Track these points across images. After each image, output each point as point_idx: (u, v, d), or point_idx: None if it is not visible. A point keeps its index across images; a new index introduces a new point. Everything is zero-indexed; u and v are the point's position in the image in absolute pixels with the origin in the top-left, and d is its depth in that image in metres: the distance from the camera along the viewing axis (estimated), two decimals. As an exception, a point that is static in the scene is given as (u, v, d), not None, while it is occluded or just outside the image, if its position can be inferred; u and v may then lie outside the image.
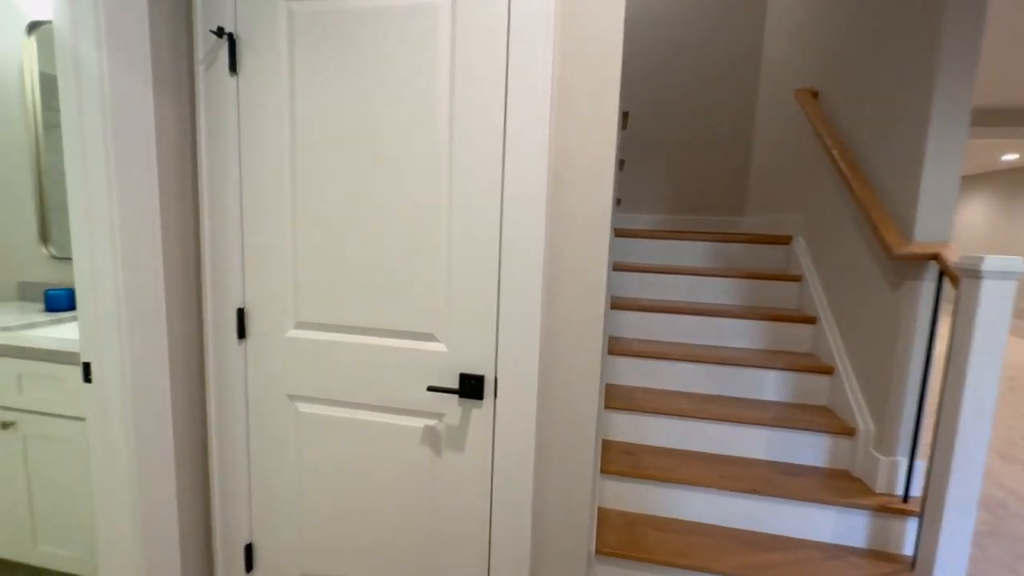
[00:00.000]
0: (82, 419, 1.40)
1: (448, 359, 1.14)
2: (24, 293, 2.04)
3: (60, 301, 1.87)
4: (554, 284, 1.07)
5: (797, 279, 2.30)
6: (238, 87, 1.18)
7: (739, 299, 2.36)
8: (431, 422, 1.18)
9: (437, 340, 1.15)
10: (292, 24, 1.13)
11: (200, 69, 1.19)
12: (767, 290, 2.34)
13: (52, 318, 1.77)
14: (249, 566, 1.35)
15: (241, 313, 1.25)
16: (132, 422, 1.13)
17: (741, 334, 2.15)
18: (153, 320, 1.15)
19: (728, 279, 2.36)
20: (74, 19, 1.01)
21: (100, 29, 1.01)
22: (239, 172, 1.21)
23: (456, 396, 1.13)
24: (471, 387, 1.12)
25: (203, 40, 1.17)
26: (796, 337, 2.11)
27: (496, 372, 1.12)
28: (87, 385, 1.14)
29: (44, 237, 2.00)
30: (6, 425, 1.46)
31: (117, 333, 1.10)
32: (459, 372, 1.14)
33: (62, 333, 1.62)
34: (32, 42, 1.90)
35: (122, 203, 1.08)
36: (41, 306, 1.95)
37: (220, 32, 1.15)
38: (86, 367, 1.13)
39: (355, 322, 1.19)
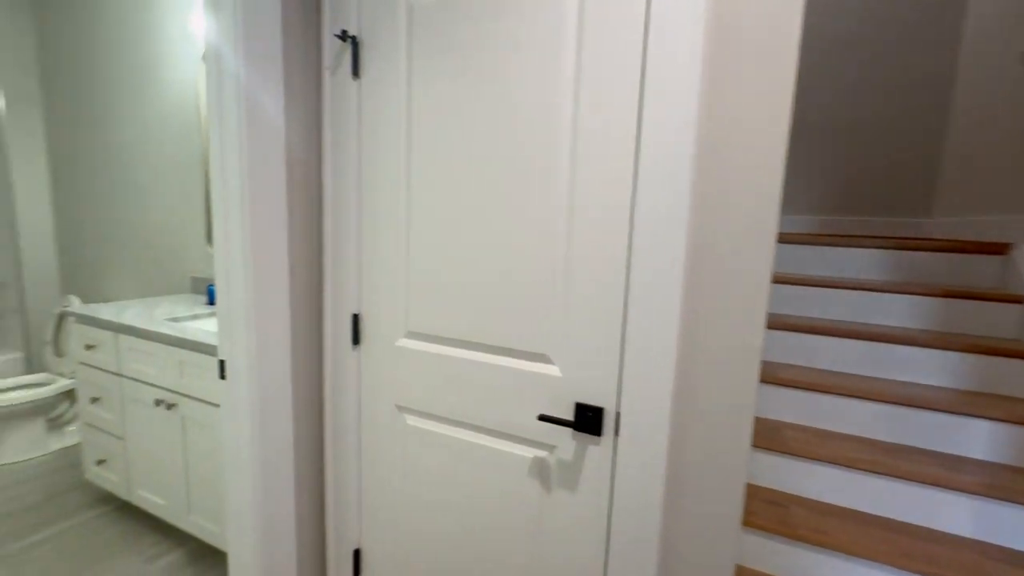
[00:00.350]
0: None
1: (563, 385, 1.00)
2: (194, 286, 2.34)
3: (219, 295, 2.10)
4: (696, 304, 0.87)
5: (1018, 300, 1.75)
6: (359, 92, 1.17)
7: (929, 323, 1.87)
8: (541, 454, 1.05)
9: (551, 362, 1.01)
10: (411, 20, 1.08)
11: (326, 76, 1.20)
12: (972, 313, 1.82)
13: (212, 311, 1.99)
14: (357, 570, 1.35)
15: (356, 319, 1.24)
16: (258, 419, 1.17)
17: (933, 368, 1.69)
18: (278, 323, 1.18)
19: (913, 296, 1.88)
20: (218, 32, 1.06)
21: (238, 37, 1.04)
22: (358, 178, 1.20)
23: (570, 429, 0.99)
24: (588, 420, 0.97)
25: (329, 45, 1.18)
26: (1016, 377, 1.60)
27: (619, 405, 0.95)
28: (223, 381, 1.21)
29: (210, 237, 2.27)
30: (169, 406, 1.65)
31: (246, 335, 1.14)
32: (575, 401, 0.99)
33: (216, 326, 1.80)
34: (203, 68, 2.16)
35: (253, 209, 1.11)
36: (206, 299, 2.22)
37: (344, 36, 1.14)
38: (222, 364, 1.20)
39: (464, 336, 1.11)
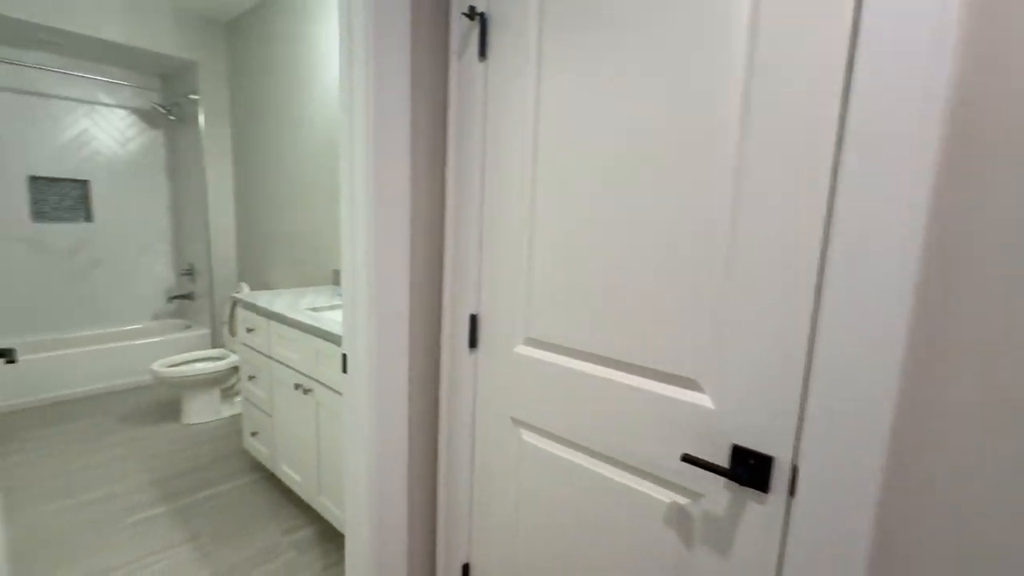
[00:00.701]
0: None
1: (715, 420, 0.79)
2: (335, 279, 2.51)
3: (354, 288, 2.22)
4: (938, 327, 0.61)
5: None
6: (486, 75, 1.07)
7: None
8: (681, 500, 0.85)
9: (700, 390, 0.81)
10: (544, -13, 0.95)
11: (453, 60, 1.13)
12: None
13: (347, 302, 2.10)
14: (465, 585, 1.28)
15: (474, 320, 1.16)
16: (375, 417, 1.15)
17: None
18: (397, 320, 1.15)
19: None
20: (350, 15, 1.04)
21: (368, 20, 1.01)
22: (481, 170, 1.10)
23: (723, 477, 0.78)
24: (749, 470, 0.75)
25: (457, 25, 1.10)
26: None
27: (796, 456, 0.71)
28: (345, 374, 1.21)
29: (350, 234, 2.42)
30: (306, 391, 1.75)
31: (366, 331, 1.12)
32: (731, 443, 0.78)
33: (349, 317, 1.89)
34: (352, 72, 2.29)
35: (377, 202, 1.08)
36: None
37: (472, 13, 1.05)
38: (344, 358, 1.20)
39: (591, 348, 0.95)
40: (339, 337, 1.56)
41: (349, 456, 1.22)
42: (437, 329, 1.24)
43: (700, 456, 0.81)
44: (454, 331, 1.20)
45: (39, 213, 3.23)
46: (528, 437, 1.09)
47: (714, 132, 0.75)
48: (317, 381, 1.70)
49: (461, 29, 1.10)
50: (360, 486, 1.20)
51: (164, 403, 3.01)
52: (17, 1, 2.53)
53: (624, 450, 0.92)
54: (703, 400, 0.80)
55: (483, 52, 1.07)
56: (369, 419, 1.15)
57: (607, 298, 0.91)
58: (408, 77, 1.08)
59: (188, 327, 3.67)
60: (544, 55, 0.96)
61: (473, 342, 1.17)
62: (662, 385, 0.85)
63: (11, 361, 1.13)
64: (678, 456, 0.84)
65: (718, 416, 0.79)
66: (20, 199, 3.13)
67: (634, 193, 0.85)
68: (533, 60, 0.98)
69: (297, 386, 1.78)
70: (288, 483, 1.95)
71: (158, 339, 3.36)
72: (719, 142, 0.75)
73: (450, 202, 1.17)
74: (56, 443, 2.46)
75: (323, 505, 1.77)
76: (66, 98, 3.24)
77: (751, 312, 0.73)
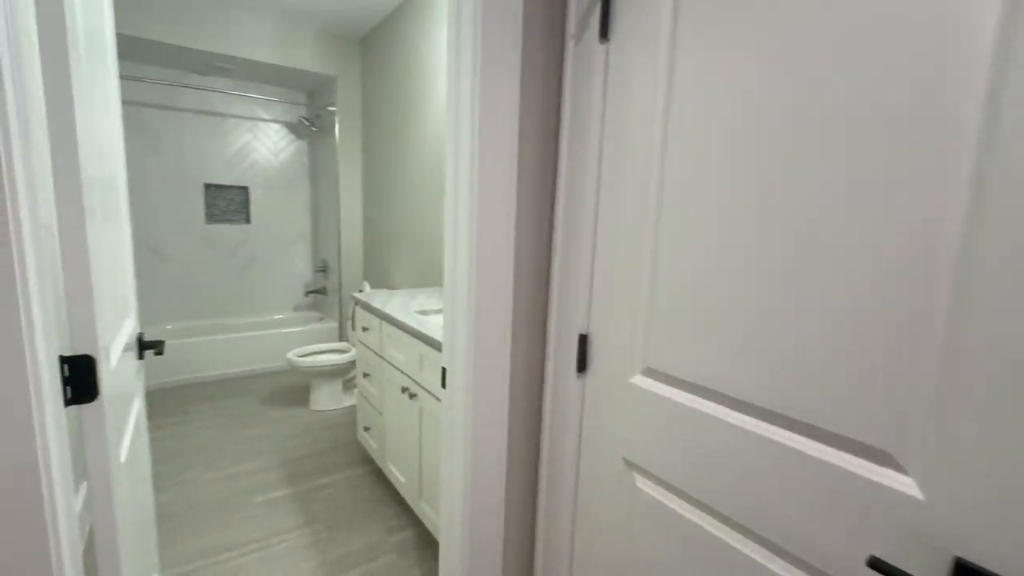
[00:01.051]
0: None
1: (925, 516, 0.55)
2: (446, 281, 2.52)
3: (463, 291, 2.19)
4: None
5: None
6: (607, 58, 0.92)
7: None
8: (862, 615, 0.62)
9: (901, 470, 0.58)
10: (685, -61, 0.77)
11: (569, 44, 0.99)
12: None
13: (455, 306, 2.08)
14: (563, 635, 1.14)
15: (583, 341, 1.01)
16: (471, 440, 1.06)
17: None
18: (498, 335, 1.05)
19: None
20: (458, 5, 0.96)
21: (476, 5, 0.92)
22: (597, 166, 0.96)
23: (937, 599, 0.54)
24: (987, 602, 0.51)
25: (576, 4, 0.97)
26: None
27: (1077, 599, 0.46)
28: (443, 389, 1.14)
29: (462, 236, 2.41)
30: (411, 395, 1.74)
31: (465, 344, 1.04)
32: (953, 555, 0.53)
33: (456, 322, 1.85)
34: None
35: (480, 203, 0.99)
36: (453, 293, 2.36)
37: (594, -14, 0.91)
38: (443, 371, 1.13)
39: (730, 390, 0.75)
40: (437, 341, 1.52)
41: (444, 478, 1.15)
42: (542, 347, 1.12)
43: (898, 565, 0.58)
44: (560, 351, 1.07)
45: (211, 215, 3.76)
46: (643, 485, 0.91)
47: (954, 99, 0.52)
48: (421, 386, 1.69)
49: (580, 8, 0.96)
50: (455, 512, 1.12)
51: (296, 388, 3.31)
52: (199, 35, 2.95)
53: (773, 528, 0.70)
54: (905, 485, 0.57)
55: (604, 32, 0.91)
56: (464, 445, 1.06)
57: (756, 328, 0.70)
58: (518, 64, 0.97)
59: (320, 319, 4.03)
60: (681, 29, 0.79)
61: (582, 366, 1.02)
62: (838, 453, 0.63)
63: (159, 353, 1.25)
64: (858, 554, 0.61)
65: (930, 511, 0.55)
66: (198, 203, 3.68)
67: (805, 191, 0.64)
68: (666, 35, 0.81)
69: (404, 389, 1.79)
70: (393, 482, 1.98)
71: (295, 329, 3.72)
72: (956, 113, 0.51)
73: (560, 205, 1.04)
74: (213, 417, 2.81)
75: (423, 511, 1.75)
76: (234, 116, 3.73)
77: (998, 360, 0.49)
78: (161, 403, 2.99)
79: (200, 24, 2.94)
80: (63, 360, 0.74)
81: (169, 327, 3.64)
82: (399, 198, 3.05)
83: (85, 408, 0.77)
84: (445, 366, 1.12)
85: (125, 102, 3.32)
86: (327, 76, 3.46)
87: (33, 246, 0.62)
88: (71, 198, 0.72)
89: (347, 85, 3.50)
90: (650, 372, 0.89)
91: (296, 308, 4.22)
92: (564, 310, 1.05)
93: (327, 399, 2.99)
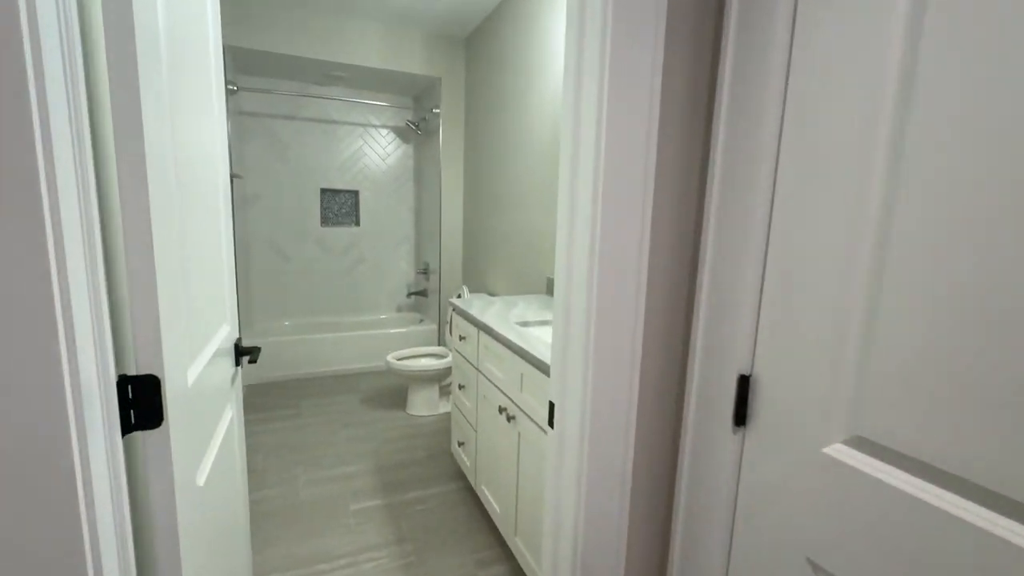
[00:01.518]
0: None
1: None
2: (548, 287, 2.32)
3: (567, 301, 1.97)
4: None
5: None
6: (795, 13, 0.65)
7: None
8: None
9: None
10: None
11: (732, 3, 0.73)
12: None
13: (558, 317, 1.86)
14: None
15: (744, 384, 0.74)
16: (583, 498, 0.84)
17: None
18: (621, 368, 0.81)
19: None
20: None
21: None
22: (774, 155, 0.68)
23: None
24: None
25: (750, -81, 0.70)
26: None
27: None
28: (550, 428, 0.93)
29: (566, 240, 2.19)
30: (509, 417, 1.56)
31: (580, 379, 0.82)
32: None
33: (560, 336, 1.64)
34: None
35: (606, 202, 0.76)
36: (556, 302, 2.15)
37: None
38: (551, 408, 0.92)
39: (1005, 487, 0.45)
40: (546, 365, 1.31)
41: (547, 532, 0.94)
42: (679, 387, 0.86)
43: None
44: (707, 395, 0.80)
45: (325, 218, 3.95)
46: (842, 608, 0.62)
47: None
48: (520, 409, 1.50)
49: (757, -76, 0.69)
50: (560, 569, 0.91)
51: (394, 390, 3.32)
52: (318, 47, 3.07)
53: None
54: None
55: (796, -48, 0.64)
56: (574, 511, 0.84)
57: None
58: (662, 25, 0.73)
59: (421, 321, 4.06)
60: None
61: (740, 417, 0.75)
62: None
63: (253, 361, 1.20)
64: None
65: None
66: (314, 207, 3.88)
67: None
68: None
69: (501, 409, 1.61)
70: (487, 507, 1.82)
71: (396, 331, 3.77)
72: None
73: (713, 203, 0.78)
74: (320, 414, 2.90)
75: (518, 547, 1.56)
76: (348, 123, 3.89)
77: None
78: (278, 395, 3.15)
79: (317, 35, 3.06)
80: (127, 380, 0.65)
81: (287, 323, 3.88)
82: (498, 200, 2.92)
83: (147, 436, 0.67)
84: (554, 402, 0.90)
85: (258, 114, 3.59)
86: (432, 78, 3.44)
87: (86, 252, 0.51)
88: (138, 213, 0.62)
89: (451, 86, 3.46)
90: (859, 443, 0.60)
91: (399, 309, 4.30)
92: (714, 341, 0.79)
93: (423, 404, 2.95)
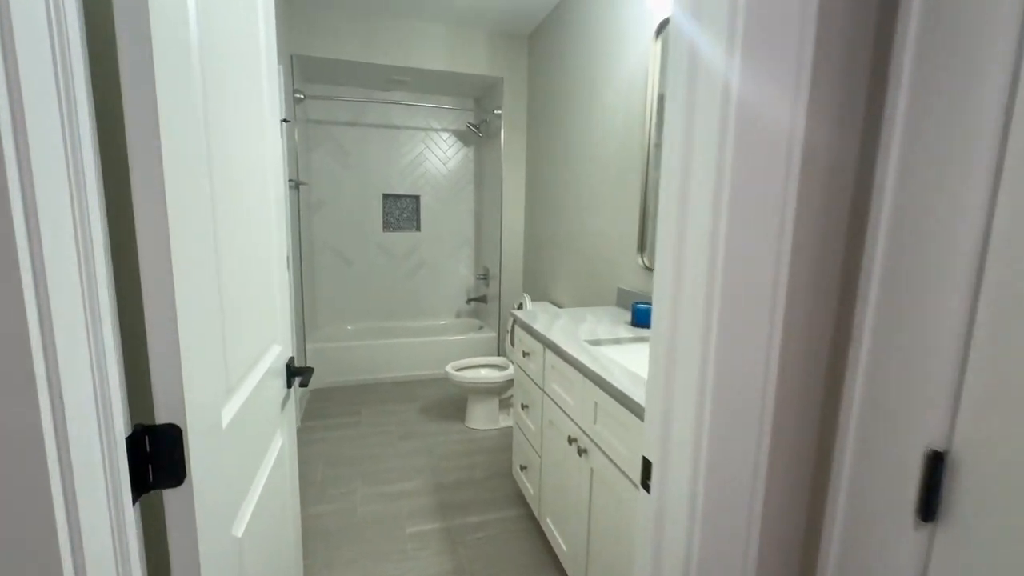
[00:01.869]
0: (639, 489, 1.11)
1: None
2: (620, 299, 2.12)
3: (643, 316, 1.77)
4: None
5: None
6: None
7: None
8: None
9: None
10: None
11: None
12: None
13: (635, 335, 1.66)
14: None
15: (937, 463, 0.53)
16: (691, 590, 0.65)
17: None
18: (748, 438, 0.62)
19: None
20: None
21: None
22: (1002, 122, 0.47)
23: None
24: None
25: None
26: None
27: None
28: (643, 491, 0.75)
29: (641, 247, 1.98)
30: (581, 450, 1.38)
31: (691, 442, 0.63)
32: None
33: (638, 356, 1.44)
34: (657, 47, 1.84)
35: (731, 206, 0.57)
36: (630, 316, 1.95)
37: None
38: (646, 465, 0.74)
39: None
40: (624, 396, 1.12)
41: (640, 618, 0.76)
42: (826, 457, 0.65)
43: None
44: (870, 474, 0.59)
45: (387, 223, 3.95)
46: None
47: None
48: (594, 443, 1.31)
49: None
50: None
51: (453, 401, 3.22)
52: (383, 52, 3.04)
53: None
54: None
55: None
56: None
57: None
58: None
59: (480, 328, 3.95)
60: None
61: (928, 509, 0.54)
62: None
63: (304, 384, 1.10)
64: None
65: None
66: (376, 212, 3.88)
67: None
68: None
69: (571, 440, 1.44)
70: (552, 542, 1.65)
71: (455, 338, 3.68)
72: None
73: (886, 201, 0.57)
74: (380, 423, 2.85)
75: (589, 598, 1.38)
76: (409, 127, 3.86)
77: None
78: (340, 400, 3.15)
79: (380, 39, 3.03)
80: (144, 430, 0.55)
81: (350, 328, 3.91)
82: (562, 204, 2.74)
83: (168, 494, 0.57)
84: (651, 460, 0.72)
85: (323, 122, 3.64)
86: (495, 78, 3.33)
87: (82, 283, 0.40)
88: (156, 244, 0.52)
89: (514, 86, 3.33)
90: None
91: (458, 315, 4.22)
92: (883, 398, 0.58)
93: (483, 417, 2.82)
